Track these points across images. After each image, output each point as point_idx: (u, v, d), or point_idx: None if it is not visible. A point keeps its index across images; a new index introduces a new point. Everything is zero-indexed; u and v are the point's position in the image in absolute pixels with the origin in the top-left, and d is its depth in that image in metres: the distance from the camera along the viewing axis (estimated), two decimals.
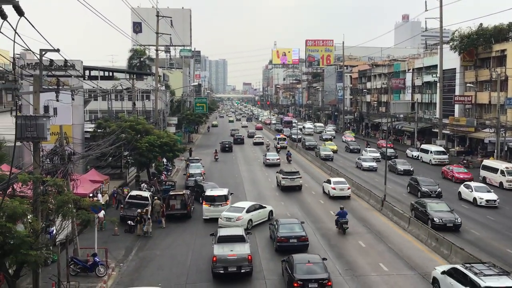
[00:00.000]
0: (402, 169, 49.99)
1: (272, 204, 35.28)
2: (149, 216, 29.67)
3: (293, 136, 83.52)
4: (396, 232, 29.13)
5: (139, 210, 29.67)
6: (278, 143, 72.34)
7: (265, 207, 32.43)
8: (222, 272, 21.46)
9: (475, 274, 17.60)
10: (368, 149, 64.06)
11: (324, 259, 21.00)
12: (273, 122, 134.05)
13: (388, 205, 33.24)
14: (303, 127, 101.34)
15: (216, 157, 62.42)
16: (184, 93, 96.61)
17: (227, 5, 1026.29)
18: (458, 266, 18.95)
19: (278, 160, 56.26)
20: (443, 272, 19.35)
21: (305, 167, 55.37)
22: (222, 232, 24.20)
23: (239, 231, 24.33)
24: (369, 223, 31.09)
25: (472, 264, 18.85)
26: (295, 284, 19.07)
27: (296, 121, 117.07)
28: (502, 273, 17.94)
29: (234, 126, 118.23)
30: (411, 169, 49.76)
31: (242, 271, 21.49)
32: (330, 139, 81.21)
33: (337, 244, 26.84)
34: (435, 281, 19.87)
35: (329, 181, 40.20)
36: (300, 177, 42.82)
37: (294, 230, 25.75)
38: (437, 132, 64.06)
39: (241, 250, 22.17)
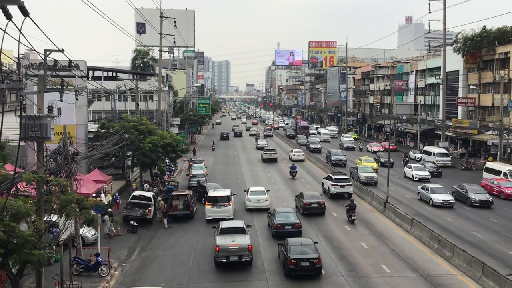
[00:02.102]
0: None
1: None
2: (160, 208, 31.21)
3: (311, 146, 71.29)
4: (399, 233, 29.12)
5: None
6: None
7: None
8: (225, 261, 23.03)
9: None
10: (414, 165, 49.66)
11: (315, 242, 23.38)
12: (282, 125, 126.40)
13: (390, 207, 33.23)
14: (318, 133, 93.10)
15: (213, 147, 74.74)
16: (187, 94, 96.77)
17: (231, 6, 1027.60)
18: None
19: (266, 145, 72.79)
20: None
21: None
22: (224, 224, 25.88)
23: (240, 224, 26.03)
24: (371, 225, 31.09)
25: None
26: (289, 263, 21.65)
27: (319, 126, 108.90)
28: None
29: (235, 123, 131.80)
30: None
31: (243, 260, 23.08)
32: (353, 148, 72.38)
33: (339, 245, 26.87)
34: None
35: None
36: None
37: (289, 218, 28.58)
38: (440, 134, 64.01)
39: (242, 240, 23.68)
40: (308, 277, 21.77)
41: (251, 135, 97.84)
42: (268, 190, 37.29)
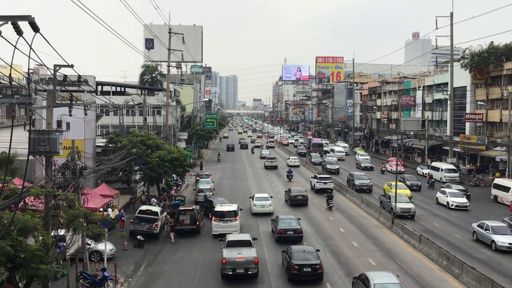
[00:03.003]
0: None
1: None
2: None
3: (328, 167, 63.99)
4: (407, 250, 28.87)
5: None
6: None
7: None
8: (231, 273, 23.31)
9: None
10: (448, 191, 43.52)
11: (317, 250, 24.72)
12: (291, 141, 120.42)
13: (398, 223, 32.96)
14: (331, 150, 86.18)
15: (219, 158, 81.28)
16: (194, 109, 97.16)
17: (238, 22, 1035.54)
18: None
19: (269, 154, 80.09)
20: None
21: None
22: (231, 237, 26.26)
23: (246, 237, 26.38)
24: (379, 241, 30.85)
25: None
26: (292, 268, 22.89)
27: (328, 142, 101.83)
28: None
29: (241, 137, 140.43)
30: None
31: (249, 272, 23.35)
32: (371, 168, 65.94)
33: (347, 261, 26.67)
34: None
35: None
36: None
37: (291, 224, 30.96)
38: (448, 149, 63.72)
39: (248, 253, 24.01)
40: (310, 282, 22.89)
41: (255, 146, 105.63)
42: (271, 197, 40.81)
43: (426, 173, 59.18)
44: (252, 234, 28.36)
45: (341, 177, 59.48)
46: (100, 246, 25.67)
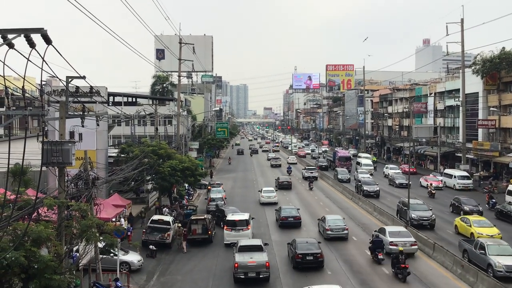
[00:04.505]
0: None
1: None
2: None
3: (365, 188, 50.44)
4: (420, 258, 28.57)
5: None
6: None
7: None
8: (243, 277, 24.01)
9: None
10: None
11: (319, 242, 27.92)
12: (308, 151, 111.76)
13: (411, 231, 32.60)
14: (358, 163, 72.94)
15: (230, 162, 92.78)
16: (205, 118, 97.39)
17: (248, 31, 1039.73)
18: None
19: (274, 156, 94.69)
20: None
21: None
22: (243, 242, 27.16)
23: (258, 242, 27.27)
24: None
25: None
26: (297, 257, 26.08)
27: (356, 154, 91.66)
28: None
29: (251, 143, 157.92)
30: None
31: (260, 276, 24.10)
32: (406, 185, 48.72)
33: (360, 270, 26.49)
34: None
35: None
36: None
37: (291, 213, 37.60)
38: (461, 156, 63.21)
39: (260, 258, 24.81)
40: (312, 269, 25.93)
41: (263, 151, 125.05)
42: (276, 190, 52.14)
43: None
44: (260, 223, 37.63)
45: (383, 201, 47.44)
46: (128, 257, 26.09)
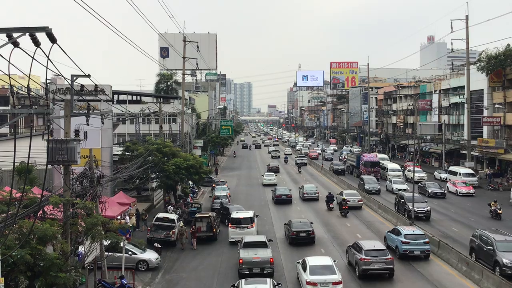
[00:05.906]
0: None
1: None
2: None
3: (411, 207, 35.59)
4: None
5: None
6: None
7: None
8: (247, 272, 24.16)
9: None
10: None
11: (311, 222, 32.81)
12: (319, 151, 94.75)
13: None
14: (383, 169, 61.82)
15: (235, 155, 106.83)
16: (209, 116, 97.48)
17: (251, 29, 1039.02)
18: None
19: (274, 149, 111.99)
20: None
21: None
22: (247, 238, 27.45)
23: (262, 238, 27.62)
24: None
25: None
26: (292, 234, 30.82)
27: (385, 158, 72.80)
28: None
29: (255, 139, 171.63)
30: None
31: (265, 272, 24.31)
32: (443, 195, 46.71)
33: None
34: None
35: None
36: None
37: (285, 192, 47.35)
38: (466, 153, 63.02)
39: (264, 254, 25.21)
40: (304, 244, 30.59)
41: (265, 145, 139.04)
42: (276, 174, 63.20)
43: (443, 178, 58.54)
44: (262, 200, 48.28)
45: (434, 225, 36.18)
46: (146, 255, 26.26)
